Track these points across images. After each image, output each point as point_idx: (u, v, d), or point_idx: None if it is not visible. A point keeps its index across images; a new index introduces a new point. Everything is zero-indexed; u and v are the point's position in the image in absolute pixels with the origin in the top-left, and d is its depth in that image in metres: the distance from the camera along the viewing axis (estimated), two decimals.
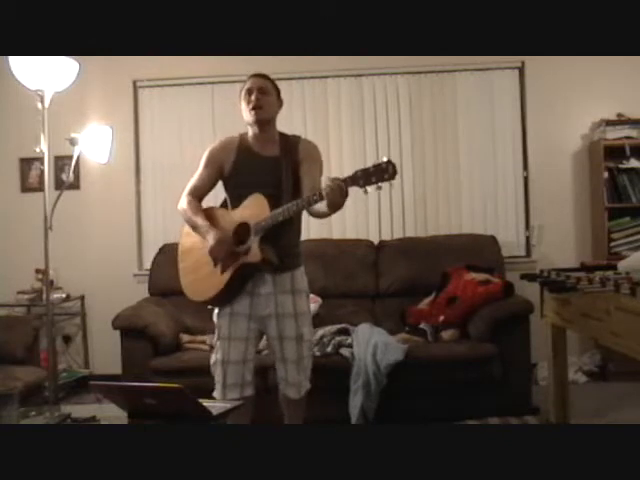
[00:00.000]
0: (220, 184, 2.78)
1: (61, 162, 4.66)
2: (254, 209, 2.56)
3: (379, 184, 2.25)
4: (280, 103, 2.74)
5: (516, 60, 4.62)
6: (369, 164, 2.29)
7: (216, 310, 2.73)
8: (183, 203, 2.73)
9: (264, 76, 2.72)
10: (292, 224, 2.65)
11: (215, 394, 2.66)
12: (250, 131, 2.71)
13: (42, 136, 3.26)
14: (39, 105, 3.22)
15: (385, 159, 2.28)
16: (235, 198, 2.68)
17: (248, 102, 2.65)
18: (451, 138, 4.69)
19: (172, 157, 4.73)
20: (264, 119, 2.65)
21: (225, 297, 2.64)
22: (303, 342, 2.70)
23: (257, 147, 2.69)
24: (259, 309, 2.66)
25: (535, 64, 4.55)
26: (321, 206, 2.39)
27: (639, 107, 4.46)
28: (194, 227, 2.69)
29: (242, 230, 2.56)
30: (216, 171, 2.73)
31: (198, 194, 2.75)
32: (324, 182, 2.34)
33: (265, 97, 2.65)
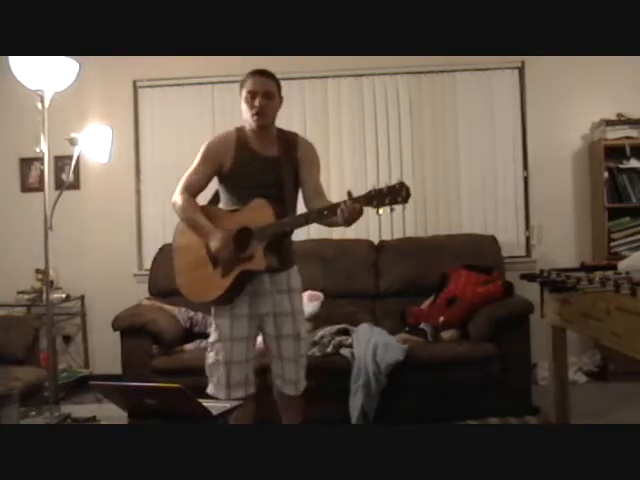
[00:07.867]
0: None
1: (61, 162, 4.66)
2: (258, 214, 2.51)
3: (392, 206, 2.22)
4: (281, 101, 2.68)
5: (516, 60, 4.62)
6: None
7: (213, 310, 2.70)
8: (179, 200, 2.64)
9: (269, 76, 2.61)
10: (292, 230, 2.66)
11: (212, 392, 2.62)
12: (248, 127, 2.64)
13: (42, 136, 3.26)
14: (39, 105, 3.22)
15: (398, 180, 2.24)
16: (235, 197, 2.63)
17: (251, 106, 2.56)
18: (451, 138, 4.68)
19: (172, 157, 4.72)
20: (267, 125, 2.62)
21: (226, 299, 2.61)
22: (301, 340, 2.70)
23: (256, 145, 2.64)
24: (258, 308, 2.65)
25: (535, 64, 4.56)
26: (335, 219, 2.35)
27: (639, 107, 4.47)
28: (194, 226, 2.62)
29: (243, 234, 2.52)
30: (214, 168, 2.64)
31: (194, 191, 2.65)
32: (342, 203, 2.31)
33: (269, 102, 2.57)
